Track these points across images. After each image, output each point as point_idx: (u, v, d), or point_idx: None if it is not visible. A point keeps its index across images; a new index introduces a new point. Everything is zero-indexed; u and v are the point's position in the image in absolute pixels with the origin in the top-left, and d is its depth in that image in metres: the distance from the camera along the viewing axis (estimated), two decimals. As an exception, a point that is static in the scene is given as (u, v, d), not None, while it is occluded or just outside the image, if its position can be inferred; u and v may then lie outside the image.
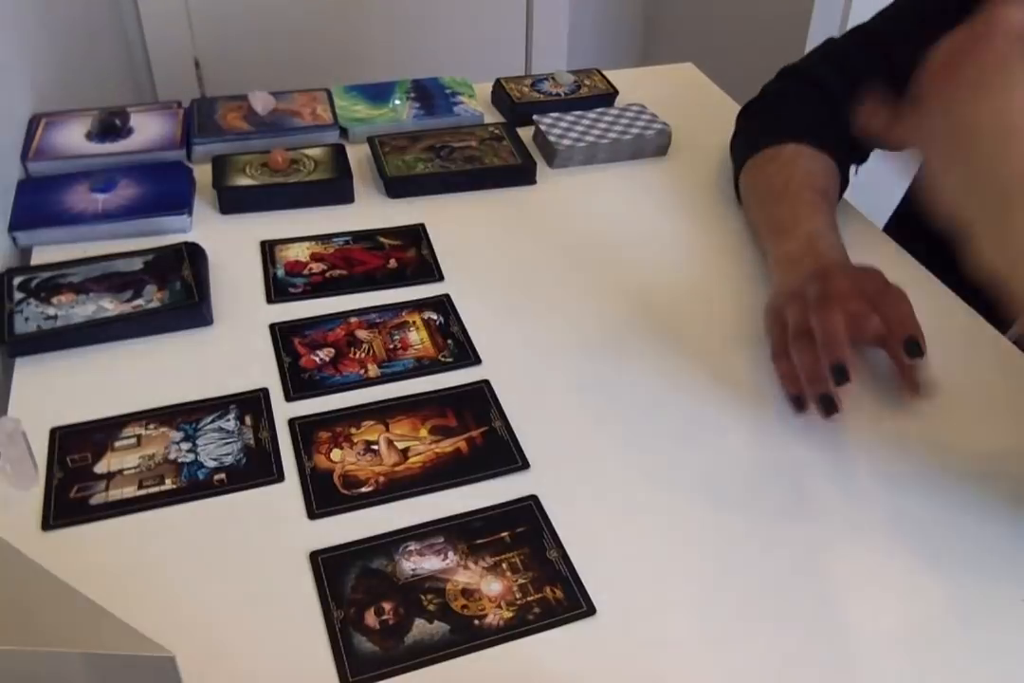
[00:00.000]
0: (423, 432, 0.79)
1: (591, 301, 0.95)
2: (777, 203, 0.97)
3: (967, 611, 0.67)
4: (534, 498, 0.74)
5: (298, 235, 1.03)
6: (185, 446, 0.78)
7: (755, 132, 1.09)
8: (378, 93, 1.26)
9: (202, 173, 1.10)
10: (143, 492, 0.74)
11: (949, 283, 0.96)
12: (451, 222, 1.06)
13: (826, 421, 0.79)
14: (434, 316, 0.92)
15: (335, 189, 1.09)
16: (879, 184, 1.03)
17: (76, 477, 0.75)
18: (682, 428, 0.81)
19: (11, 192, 1.04)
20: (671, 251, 1.02)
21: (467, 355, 0.88)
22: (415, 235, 1.04)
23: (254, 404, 0.82)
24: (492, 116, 1.28)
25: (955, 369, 0.87)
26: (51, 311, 0.88)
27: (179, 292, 0.91)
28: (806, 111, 1.06)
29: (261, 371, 0.86)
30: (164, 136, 1.14)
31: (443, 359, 0.87)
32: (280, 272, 0.98)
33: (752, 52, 2.11)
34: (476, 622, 0.65)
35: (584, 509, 0.73)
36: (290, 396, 0.83)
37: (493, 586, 0.67)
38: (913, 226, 0.95)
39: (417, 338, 0.90)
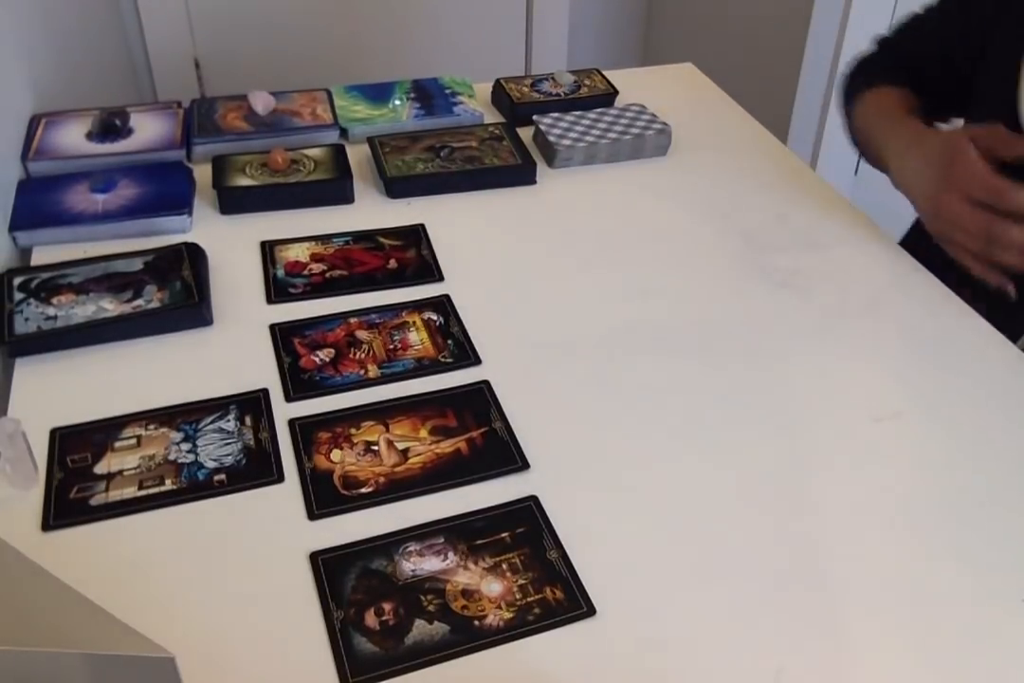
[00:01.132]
0: (423, 432, 0.79)
1: (591, 301, 0.95)
2: (888, 116, 1.09)
3: (967, 611, 0.67)
4: (534, 498, 0.74)
5: (298, 235, 1.03)
6: (185, 447, 0.78)
7: (870, 74, 1.18)
8: (378, 93, 1.26)
9: (202, 173, 1.10)
10: (143, 493, 0.74)
11: (961, 294, 0.96)
12: (451, 222, 1.06)
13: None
14: (434, 316, 0.92)
15: (335, 189, 1.09)
16: (893, 199, 1.06)
17: (76, 477, 0.75)
18: (683, 428, 0.81)
19: (11, 192, 1.04)
20: (671, 250, 1.02)
21: (467, 355, 0.88)
22: (415, 235, 1.04)
23: (254, 404, 0.82)
24: (492, 116, 1.28)
25: (967, 376, 0.87)
26: (51, 311, 0.88)
27: (179, 292, 0.91)
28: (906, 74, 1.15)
29: (261, 371, 0.86)
30: (164, 136, 1.14)
31: (443, 359, 0.87)
32: (280, 272, 0.98)
33: (752, 52, 2.11)
34: (476, 623, 0.65)
35: (584, 509, 0.73)
36: (290, 396, 0.83)
37: (493, 587, 0.67)
38: (928, 241, 0.97)
39: (417, 338, 0.90)
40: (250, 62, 2.32)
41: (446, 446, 0.78)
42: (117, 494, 0.73)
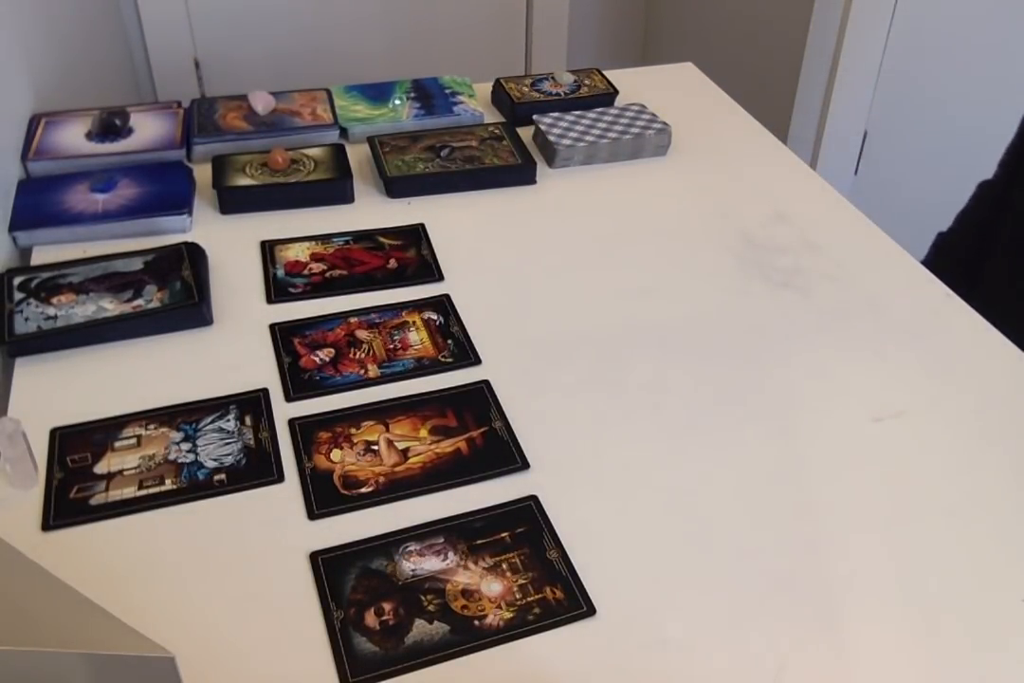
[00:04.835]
0: (423, 432, 0.79)
1: (591, 301, 0.95)
2: None
3: (967, 610, 0.67)
4: (534, 498, 0.74)
5: (298, 235, 1.03)
6: (185, 446, 0.78)
7: None
8: (378, 93, 1.26)
9: (202, 173, 1.10)
10: (143, 492, 0.74)
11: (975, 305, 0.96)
12: (451, 222, 1.06)
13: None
14: (434, 316, 0.92)
15: (335, 189, 1.09)
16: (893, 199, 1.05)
17: (76, 477, 0.75)
18: (683, 427, 0.81)
19: (11, 192, 1.04)
20: (671, 250, 1.02)
21: (467, 355, 0.88)
22: (415, 235, 1.04)
23: (254, 404, 0.82)
24: (492, 116, 1.28)
25: (967, 375, 0.87)
26: (51, 311, 0.88)
27: (179, 292, 0.91)
28: None
29: (261, 371, 0.86)
30: (164, 136, 1.14)
31: (443, 359, 0.87)
32: (280, 272, 0.98)
33: (752, 52, 2.11)
34: (476, 622, 0.65)
35: (584, 509, 0.73)
36: (290, 396, 0.83)
37: (493, 586, 0.67)
38: (948, 256, 0.97)
39: (417, 338, 0.90)
40: (250, 62, 2.32)
41: (446, 446, 0.78)
42: (117, 494, 0.73)
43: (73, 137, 1.13)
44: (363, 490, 0.74)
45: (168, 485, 0.74)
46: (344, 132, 1.20)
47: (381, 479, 0.75)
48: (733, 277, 0.99)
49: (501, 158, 1.13)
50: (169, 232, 1.03)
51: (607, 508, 0.74)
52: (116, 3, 2.15)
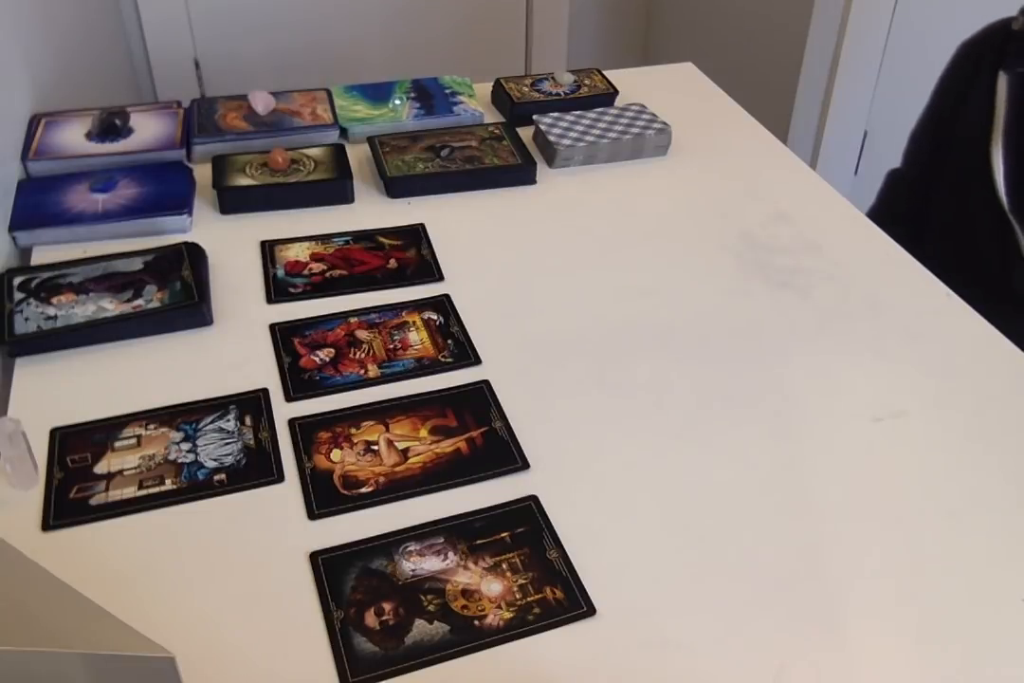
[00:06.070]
0: (423, 432, 0.79)
1: (591, 300, 0.95)
2: None
3: (966, 611, 0.67)
4: (534, 498, 0.74)
5: (298, 235, 1.03)
6: (185, 446, 0.78)
7: None
8: (378, 93, 1.26)
9: (202, 173, 1.10)
10: (143, 492, 0.74)
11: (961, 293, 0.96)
12: (451, 222, 1.06)
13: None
14: (434, 316, 0.92)
15: (335, 189, 1.09)
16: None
17: (76, 477, 0.75)
18: (683, 428, 0.81)
19: (11, 192, 1.04)
20: (671, 250, 1.02)
21: (467, 355, 0.88)
22: (415, 235, 1.04)
23: (254, 404, 0.82)
24: (492, 116, 1.28)
25: (966, 376, 0.87)
26: (51, 311, 0.88)
27: (179, 292, 0.91)
28: None
29: (261, 371, 0.86)
30: (164, 136, 1.14)
31: (443, 359, 0.87)
32: (280, 272, 0.98)
33: (752, 52, 2.11)
34: (476, 622, 0.65)
35: (584, 509, 0.73)
36: (290, 396, 0.83)
37: (493, 586, 0.67)
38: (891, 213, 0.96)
39: (417, 338, 0.90)
40: (250, 62, 2.32)
41: (446, 446, 0.78)
42: (117, 494, 0.74)
43: (73, 137, 1.13)
44: (363, 490, 0.74)
45: (168, 485, 0.74)
46: (344, 132, 1.20)
47: (381, 479, 0.75)
48: (733, 277, 0.99)
49: (501, 158, 1.13)
50: (169, 232, 1.03)
51: (607, 508, 0.74)
52: (116, 3, 2.15)
